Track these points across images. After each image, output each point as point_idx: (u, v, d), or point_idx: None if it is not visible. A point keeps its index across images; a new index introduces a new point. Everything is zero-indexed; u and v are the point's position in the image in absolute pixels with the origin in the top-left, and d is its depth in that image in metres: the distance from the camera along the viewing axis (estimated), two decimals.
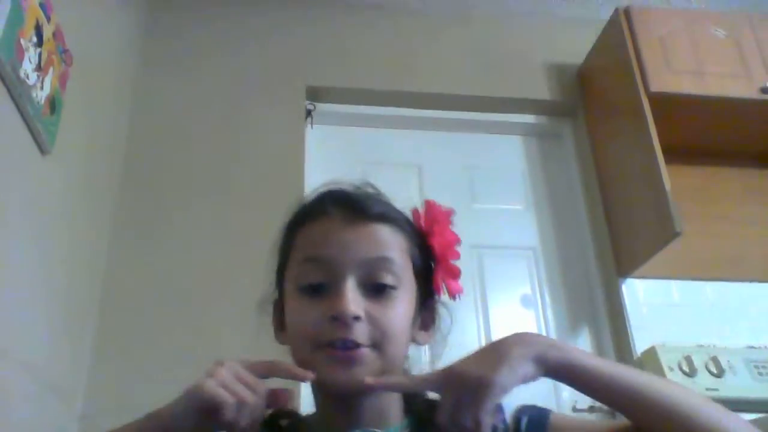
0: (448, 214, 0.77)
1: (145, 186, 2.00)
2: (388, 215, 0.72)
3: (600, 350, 2.02)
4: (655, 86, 2.00)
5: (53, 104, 1.42)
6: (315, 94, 2.25)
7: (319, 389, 0.70)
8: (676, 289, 2.05)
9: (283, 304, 0.72)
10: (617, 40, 2.14)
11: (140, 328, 1.78)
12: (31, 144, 1.37)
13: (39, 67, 1.33)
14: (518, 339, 0.61)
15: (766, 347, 1.91)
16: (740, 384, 1.77)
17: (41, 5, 1.33)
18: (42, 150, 1.41)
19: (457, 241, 0.76)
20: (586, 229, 2.20)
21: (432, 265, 0.75)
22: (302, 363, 0.66)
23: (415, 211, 0.77)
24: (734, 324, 1.98)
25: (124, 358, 1.73)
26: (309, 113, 2.23)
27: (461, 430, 0.59)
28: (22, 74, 1.26)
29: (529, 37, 2.44)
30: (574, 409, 1.89)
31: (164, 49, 2.23)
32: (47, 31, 1.37)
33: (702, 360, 1.80)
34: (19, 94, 1.26)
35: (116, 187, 1.97)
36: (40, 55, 1.33)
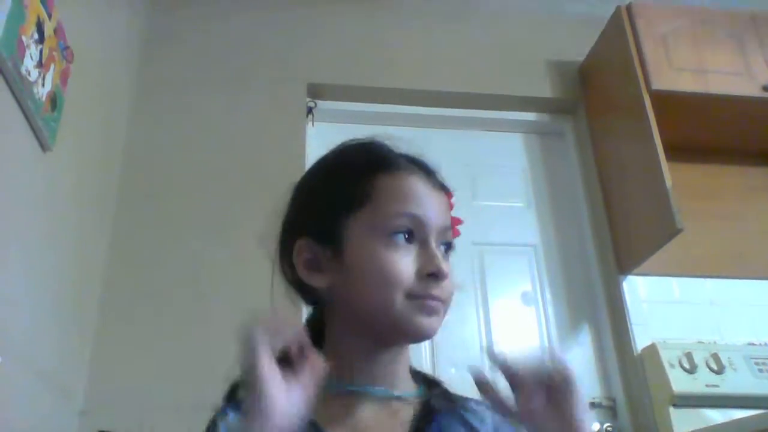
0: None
1: (146, 184, 2.00)
2: (447, 187, 0.78)
3: (600, 347, 2.03)
4: (657, 84, 2.00)
5: (54, 101, 1.42)
6: (316, 92, 2.25)
7: (383, 333, 0.70)
8: (676, 286, 2.05)
9: (335, 244, 0.71)
10: (619, 38, 2.13)
11: (140, 324, 1.78)
12: (32, 141, 1.37)
13: (40, 64, 1.33)
14: None
15: (766, 344, 1.92)
16: (740, 381, 1.77)
17: (42, 2, 1.33)
18: (43, 147, 1.41)
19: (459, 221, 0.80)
20: (587, 227, 2.20)
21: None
22: (381, 306, 0.68)
23: None
24: (735, 321, 1.99)
25: (124, 354, 1.74)
26: (310, 111, 2.23)
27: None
28: (23, 71, 1.26)
29: (531, 35, 2.44)
30: None
31: (165, 46, 2.23)
32: (48, 28, 1.37)
33: (702, 357, 1.80)
34: (20, 91, 1.26)
35: (117, 183, 1.97)
36: (41, 51, 1.33)
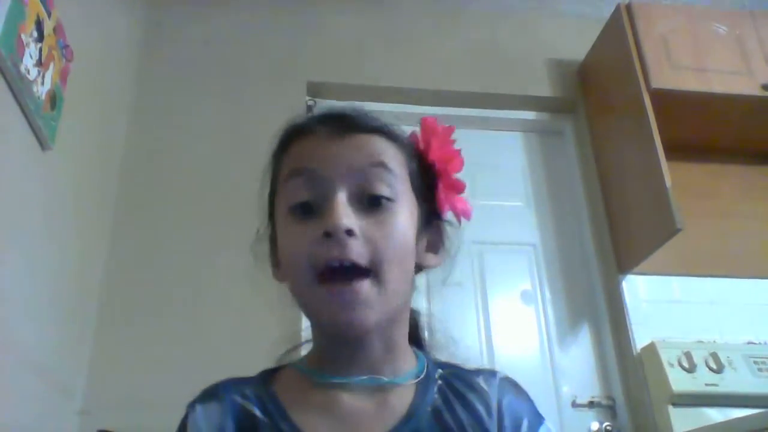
0: (448, 130, 0.70)
1: (146, 182, 2.00)
2: (380, 128, 0.65)
3: (600, 346, 2.03)
4: (657, 83, 2.00)
5: (54, 100, 1.42)
6: (316, 90, 2.25)
7: (320, 330, 0.63)
8: (676, 285, 2.05)
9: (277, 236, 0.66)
10: (619, 37, 2.13)
11: (140, 323, 1.78)
12: (31, 139, 1.37)
13: (40, 63, 1.33)
14: None
15: (765, 343, 1.92)
16: (740, 380, 1.77)
17: (42, 0, 1.33)
18: (43, 146, 1.41)
19: (458, 153, 0.70)
20: (587, 226, 2.20)
21: (435, 184, 0.69)
22: (302, 298, 0.61)
23: (413, 135, 0.71)
24: (734, 320, 1.99)
25: (123, 353, 1.74)
26: (310, 109, 2.22)
27: None
28: (22, 69, 1.26)
29: (531, 34, 2.44)
30: (574, 404, 1.90)
31: (165, 45, 2.23)
32: (48, 27, 1.37)
33: (702, 356, 1.80)
34: (19, 90, 1.26)
35: (117, 182, 1.97)
36: (40, 50, 1.33)
